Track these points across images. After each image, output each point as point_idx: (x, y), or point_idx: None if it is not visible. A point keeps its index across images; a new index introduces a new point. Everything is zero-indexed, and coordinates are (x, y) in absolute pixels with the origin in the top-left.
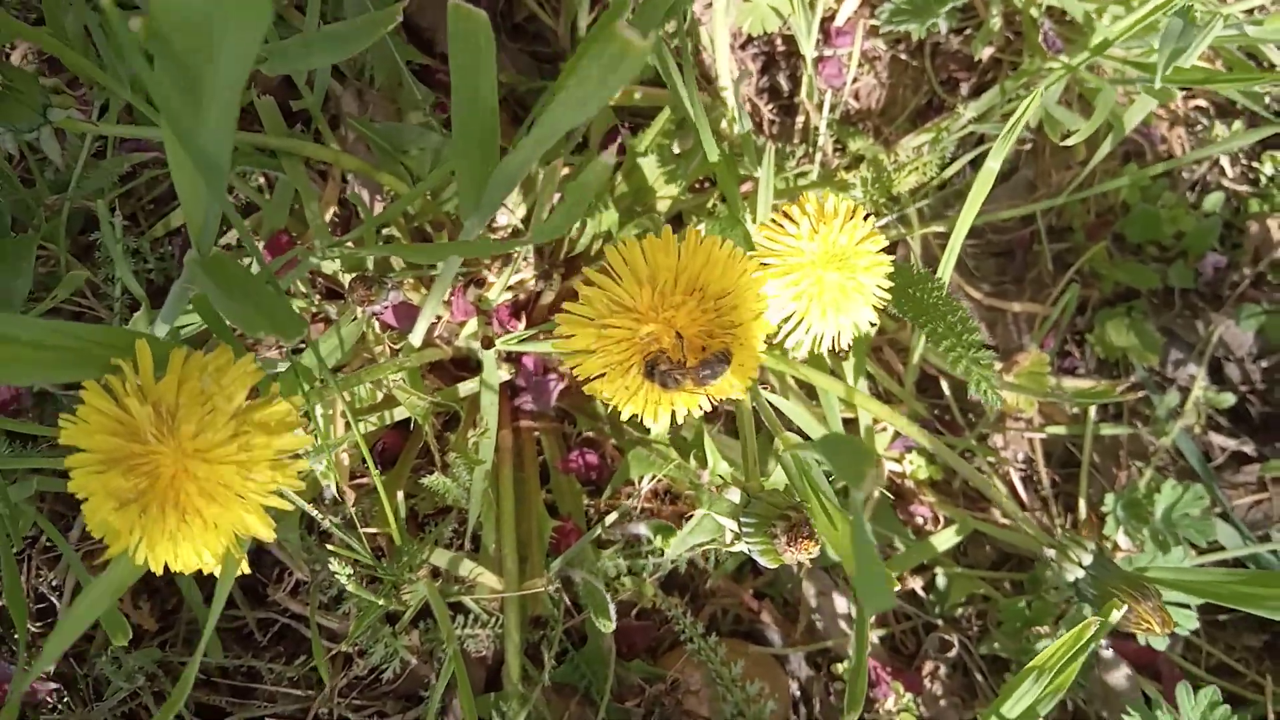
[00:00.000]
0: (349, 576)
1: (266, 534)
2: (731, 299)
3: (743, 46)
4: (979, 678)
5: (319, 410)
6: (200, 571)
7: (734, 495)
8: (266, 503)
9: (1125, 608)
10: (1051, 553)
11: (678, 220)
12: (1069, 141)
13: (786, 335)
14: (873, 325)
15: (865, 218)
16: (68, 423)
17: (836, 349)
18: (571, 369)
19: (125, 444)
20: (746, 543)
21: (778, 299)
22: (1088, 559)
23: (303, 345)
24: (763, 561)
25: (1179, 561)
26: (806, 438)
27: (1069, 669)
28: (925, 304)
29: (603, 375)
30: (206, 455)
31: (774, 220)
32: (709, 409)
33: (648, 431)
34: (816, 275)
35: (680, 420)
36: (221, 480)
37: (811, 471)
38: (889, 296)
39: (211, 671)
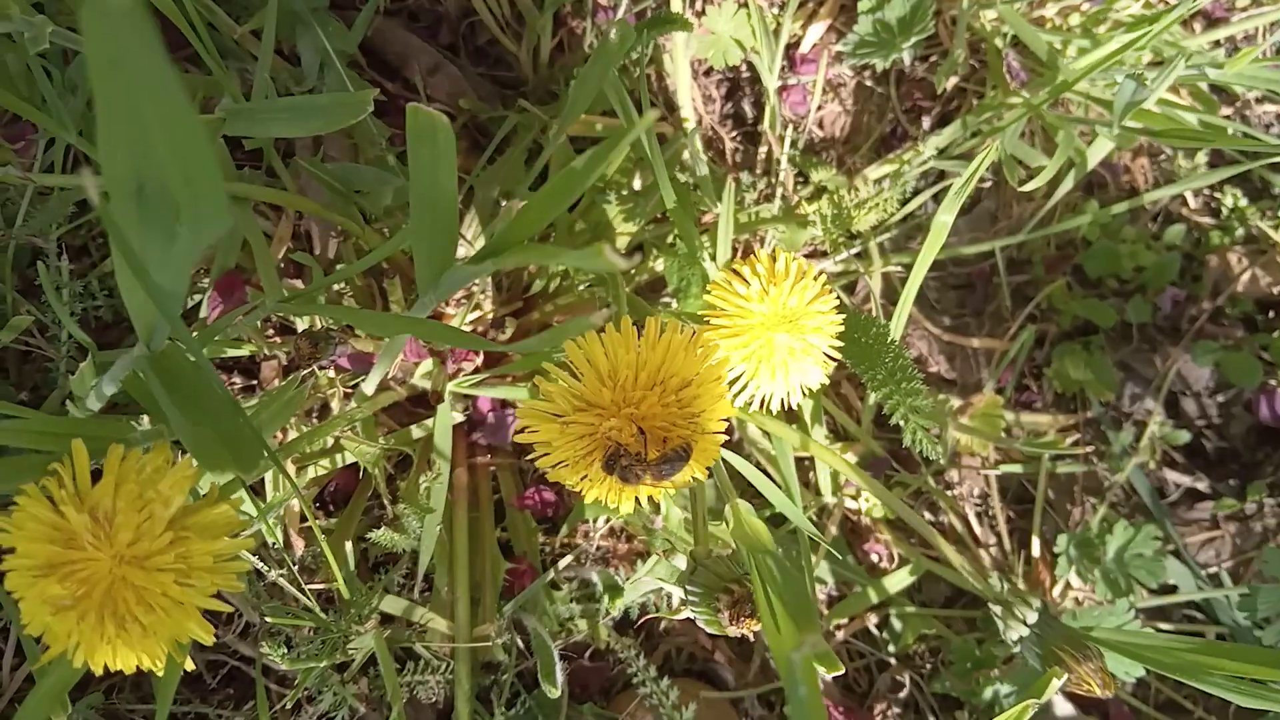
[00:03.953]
0: (283, 656)
1: (205, 638)
2: (693, 389)
3: (706, 73)
4: (930, 718)
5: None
6: None
7: (680, 562)
8: (205, 606)
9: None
10: (997, 609)
11: (639, 251)
12: (1028, 187)
13: (735, 395)
14: (823, 385)
15: (815, 277)
16: (3, 526)
17: (786, 406)
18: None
19: (61, 551)
20: (692, 611)
21: (727, 360)
22: (1032, 617)
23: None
24: (708, 630)
25: (1124, 613)
26: (763, 497)
27: None
28: (868, 349)
29: (565, 465)
30: (144, 563)
31: (725, 280)
32: (672, 494)
33: None
34: (766, 337)
35: (644, 504)
36: (159, 588)
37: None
38: (839, 356)
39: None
